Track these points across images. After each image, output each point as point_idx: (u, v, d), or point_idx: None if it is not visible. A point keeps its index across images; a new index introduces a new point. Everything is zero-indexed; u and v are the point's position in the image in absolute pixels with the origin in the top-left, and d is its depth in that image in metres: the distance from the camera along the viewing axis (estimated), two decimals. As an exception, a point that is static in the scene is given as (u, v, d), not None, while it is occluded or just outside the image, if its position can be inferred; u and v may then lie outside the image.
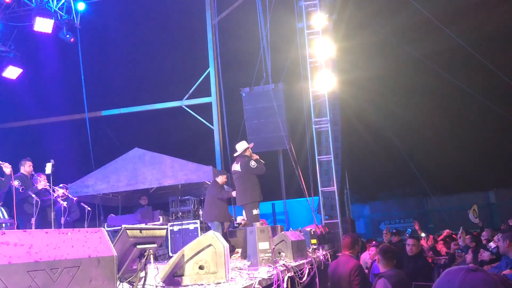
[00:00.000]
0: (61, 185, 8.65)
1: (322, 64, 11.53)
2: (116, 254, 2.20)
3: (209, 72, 13.65)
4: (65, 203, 8.42)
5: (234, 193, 7.92)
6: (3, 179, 7.00)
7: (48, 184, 7.72)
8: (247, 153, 7.51)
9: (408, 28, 15.96)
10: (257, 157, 7.57)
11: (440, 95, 18.60)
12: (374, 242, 8.02)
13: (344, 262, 5.62)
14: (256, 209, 7.23)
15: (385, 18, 16.19)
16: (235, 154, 7.63)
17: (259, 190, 7.44)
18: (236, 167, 7.50)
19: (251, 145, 7.67)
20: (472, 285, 1.22)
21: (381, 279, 4.30)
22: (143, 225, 6.64)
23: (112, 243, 2.61)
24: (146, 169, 11.01)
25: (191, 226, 10.26)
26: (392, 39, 15.64)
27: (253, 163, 7.32)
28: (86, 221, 8.90)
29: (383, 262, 4.58)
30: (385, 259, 4.57)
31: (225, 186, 8.80)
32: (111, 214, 11.48)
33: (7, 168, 6.82)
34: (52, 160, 7.16)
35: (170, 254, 9.79)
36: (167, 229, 9.67)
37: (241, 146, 7.57)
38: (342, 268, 5.58)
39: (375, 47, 16.58)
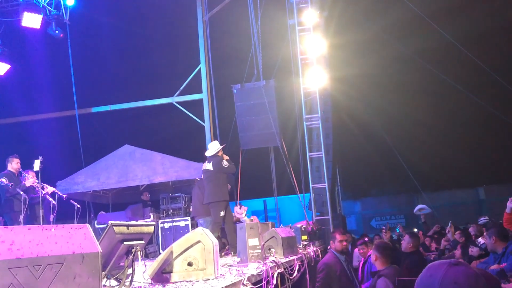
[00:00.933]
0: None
1: (313, 61, 11.54)
2: (101, 250, 2.17)
3: (200, 69, 13.57)
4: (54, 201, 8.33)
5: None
6: None
7: (36, 181, 7.63)
8: (219, 153, 7.67)
9: (399, 25, 16.03)
10: (228, 157, 7.76)
11: (431, 92, 18.74)
12: (366, 239, 8.04)
13: (322, 259, 5.74)
14: (223, 211, 7.40)
15: (376, 15, 16.25)
16: (208, 154, 7.73)
17: (227, 190, 7.71)
18: (208, 166, 7.62)
19: (223, 145, 7.86)
20: (454, 278, 1.22)
21: (381, 279, 4.22)
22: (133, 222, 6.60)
23: (99, 240, 2.58)
24: (137, 166, 10.95)
25: (182, 223, 10.24)
26: (383, 36, 15.69)
27: (225, 163, 7.52)
28: (75, 219, 8.83)
29: (382, 260, 4.45)
30: (384, 257, 4.45)
31: None
32: (101, 212, 11.41)
33: None
34: (40, 157, 7.07)
35: (161, 251, 9.76)
36: (155, 226, 9.64)
37: (213, 146, 7.71)
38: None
39: (366, 44, 16.65)
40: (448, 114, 19.69)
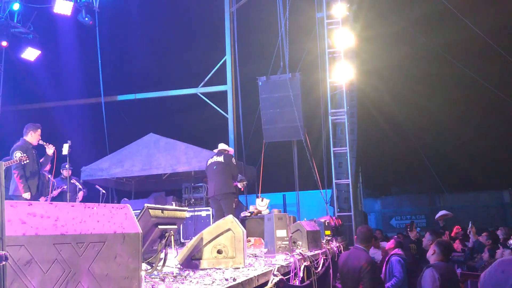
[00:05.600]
0: None
1: (341, 55, 11.38)
2: (141, 231, 2.15)
3: (225, 60, 13.54)
4: (79, 184, 8.43)
5: (240, 185, 8.38)
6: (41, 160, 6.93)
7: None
8: (227, 152, 8.18)
9: (427, 18, 15.66)
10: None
11: (459, 87, 18.12)
12: (400, 236, 7.97)
13: (356, 256, 5.26)
14: (235, 203, 7.85)
15: (404, 8, 15.89)
16: (218, 149, 8.22)
17: None
18: (218, 158, 7.99)
19: (231, 150, 8.54)
20: None
21: (429, 269, 4.18)
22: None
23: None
24: (161, 154, 11.02)
25: (204, 213, 10.27)
26: (411, 29, 15.34)
27: (234, 161, 8.04)
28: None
29: (439, 257, 4.39)
30: (442, 254, 4.38)
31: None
32: (125, 198, 11.54)
33: (50, 149, 6.80)
34: (69, 141, 7.12)
35: (182, 240, 9.82)
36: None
37: (223, 145, 8.34)
38: (352, 262, 5.24)
39: (394, 37, 16.25)
40: (475, 113, 19.13)
